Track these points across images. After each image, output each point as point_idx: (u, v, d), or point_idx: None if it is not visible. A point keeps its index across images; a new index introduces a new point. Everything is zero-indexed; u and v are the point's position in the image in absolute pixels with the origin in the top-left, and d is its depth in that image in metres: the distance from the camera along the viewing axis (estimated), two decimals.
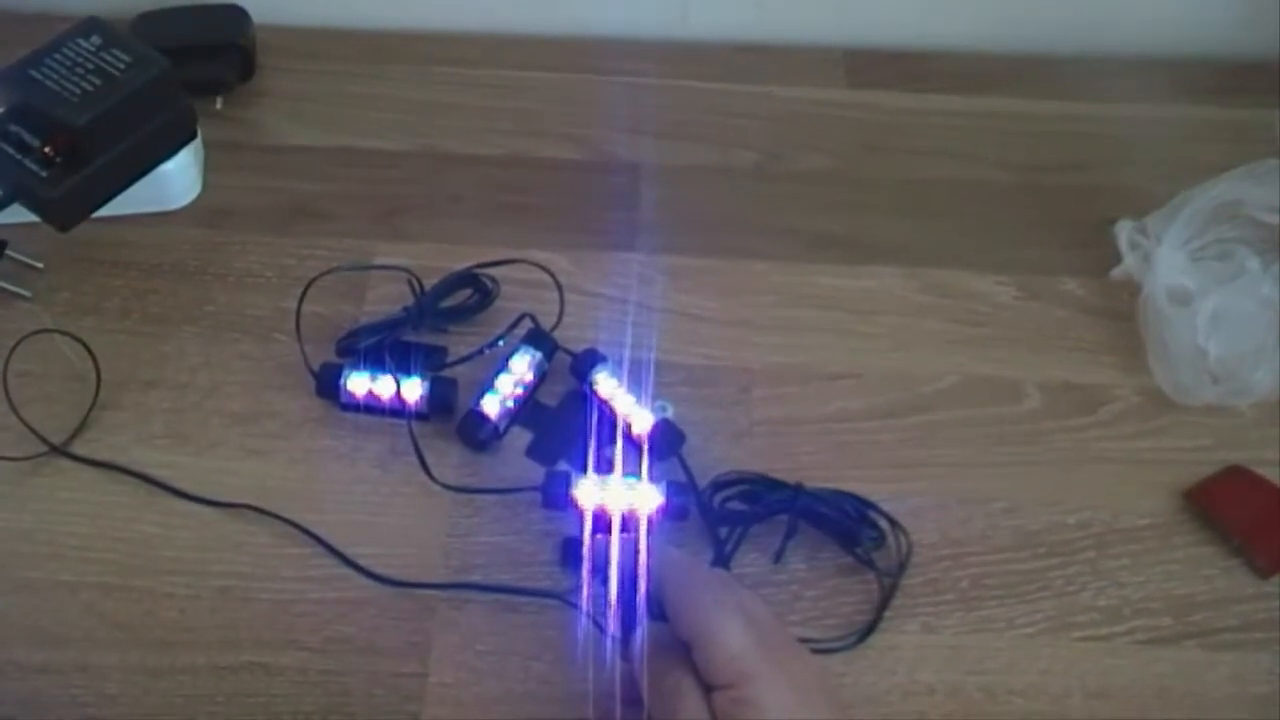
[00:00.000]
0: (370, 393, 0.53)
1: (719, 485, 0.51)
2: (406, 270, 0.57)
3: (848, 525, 0.49)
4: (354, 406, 0.54)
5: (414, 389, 0.53)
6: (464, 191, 0.63)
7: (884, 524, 0.50)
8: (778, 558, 0.50)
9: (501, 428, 0.53)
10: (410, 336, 0.56)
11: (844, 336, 0.58)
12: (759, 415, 0.55)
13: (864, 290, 0.60)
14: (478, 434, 0.52)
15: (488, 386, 0.54)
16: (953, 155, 0.65)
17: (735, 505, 0.51)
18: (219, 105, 0.64)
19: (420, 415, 0.53)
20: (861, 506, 0.50)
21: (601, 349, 0.55)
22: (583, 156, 0.64)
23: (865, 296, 0.59)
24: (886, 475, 0.53)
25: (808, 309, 0.59)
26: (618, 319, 0.58)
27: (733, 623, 0.36)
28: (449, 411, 0.53)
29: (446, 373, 0.54)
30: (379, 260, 0.59)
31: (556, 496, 0.48)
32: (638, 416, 0.53)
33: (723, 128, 0.66)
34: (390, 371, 0.53)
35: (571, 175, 0.64)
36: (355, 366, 0.54)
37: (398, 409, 0.53)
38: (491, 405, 0.53)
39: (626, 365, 0.55)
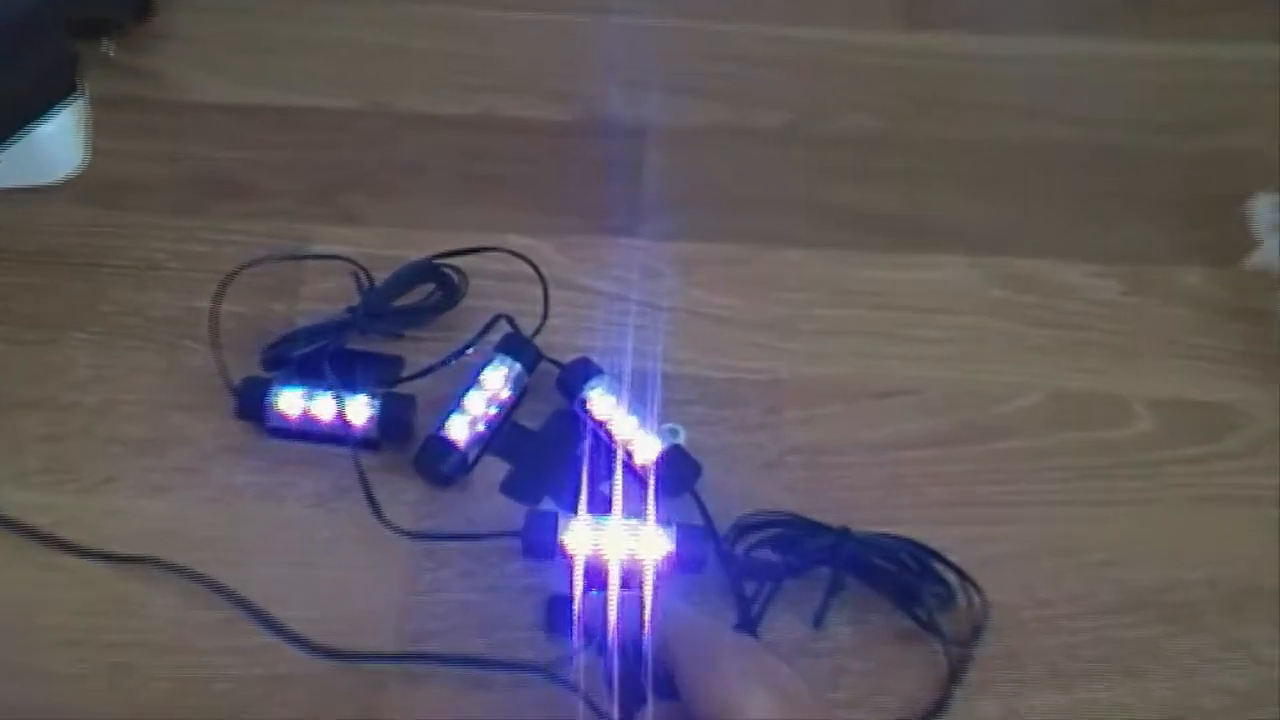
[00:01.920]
0: (305, 414, 0.54)
1: (744, 529, 0.52)
2: (351, 261, 0.58)
3: (905, 580, 0.50)
4: (284, 432, 0.54)
5: (361, 409, 0.54)
6: (424, 161, 0.64)
7: (951, 578, 0.51)
8: (818, 621, 0.51)
9: (471, 457, 0.54)
10: (357, 344, 0.57)
11: (897, 342, 0.59)
12: (792, 441, 0.56)
13: (922, 284, 0.60)
14: (441, 465, 0.53)
15: (454, 406, 0.54)
16: (1035, 113, 0.66)
17: (764, 554, 0.51)
18: (109, 50, 0.66)
19: (369, 442, 0.54)
20: (922, 556, 0.51)
21: (596, 358, 0.56)
22: (572, 117, 0.66)
23: (924, 292, 0.60)
24: (953, 517, 0.53)
25: (852, 307, 0.60)
26: (616, 321, 0.59)
27: (760, 701, 0.37)
28: (405, 437, 0.54)
29: (402, 389, 0.55)
30: (316, 248, 0.60)
31: (540, 543, 0.48)
32: (642, 443, 0.54)
33: (745, 80, 0.67)
34: (331, 387, 0.54)
35: (558, 140, 0.65)
36: (286, 381, 0.54)
37: (340, 434, 0.53)
38: (458, 429, 0.54)
39: (627, 379, 0.56)
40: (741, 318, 0.59)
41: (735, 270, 0.61)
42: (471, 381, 0.55)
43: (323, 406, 0.54)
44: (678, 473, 0.54)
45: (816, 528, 0.51)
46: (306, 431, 0.54)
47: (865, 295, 0.60)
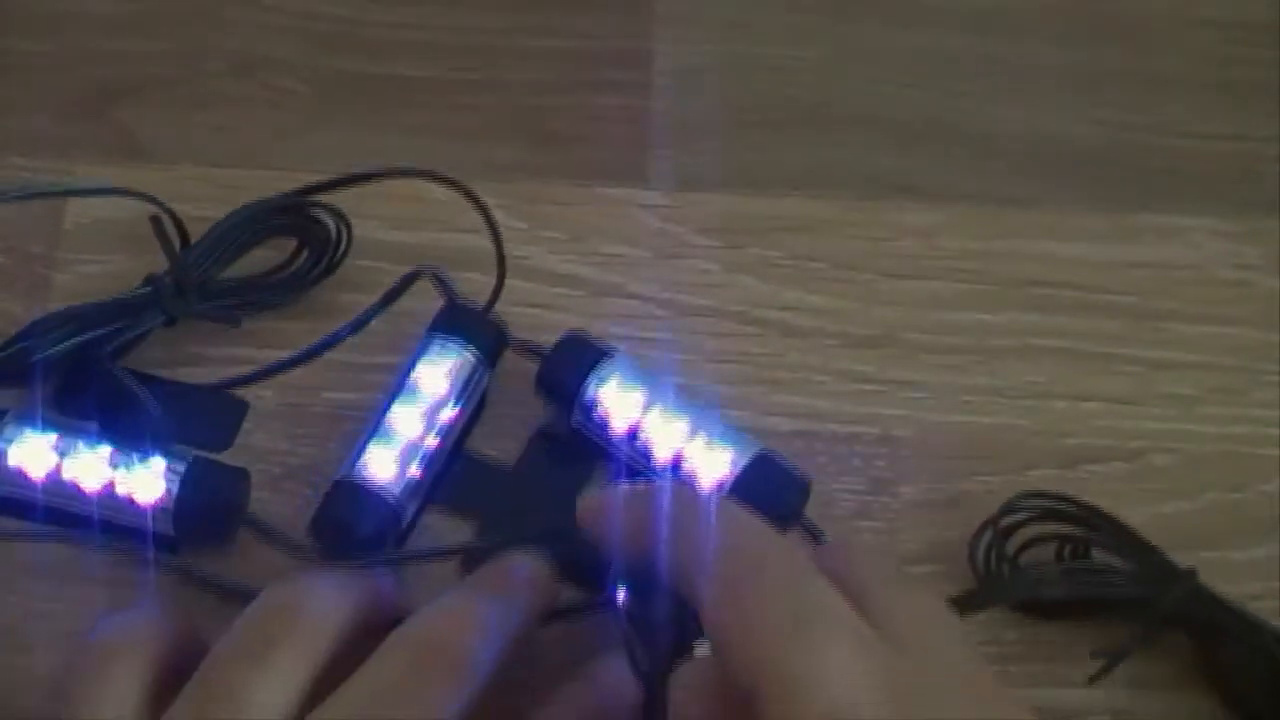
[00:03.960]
0: (55, 476, 0.46)
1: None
2: (147, 197, 0.49)
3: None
4: (21, 504, 0.47)
5: (148, 480, 0.45)
6: (264, 49, 0.57)
7: None
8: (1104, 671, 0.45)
9: (407, 516, 0.47)
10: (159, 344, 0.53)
11: (1106, 370, 0.51)
12: (913, 540, 0.47)
13: (1154, 266, 0.53)
14: (357, 528, 0.45)
15: (373, 428, 0.48)
16: None
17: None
18: None
19: (164, 540, 0.46)
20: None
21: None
22: None
23: (1157, 281, 0.53)
24: None
25: (1025, 309, 0.52)
26: (602, 332, 0.50)
27: (839, 655, 0.32)
28: (221, 533, 0.46)
29: (243, 393, 0.50)
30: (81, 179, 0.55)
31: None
32: (707, 458, 0.47)
33: None
34: (109, 426, 0.48)
35: (501, 10, 0.59)
36: (25, 419, 0.48)
37: (131, 516, 0.46)
38: (383, 465, 0.46)
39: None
40: (825, 326, 0.52)
41: (811, 242, 0.54)
42: (402, 383, 0.48)
43: (88, 466, 0.45)
44: (773, 495, 0.45)
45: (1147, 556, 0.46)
46: (62, 510, 0.46)
47: (1051, 288, 0.53)
